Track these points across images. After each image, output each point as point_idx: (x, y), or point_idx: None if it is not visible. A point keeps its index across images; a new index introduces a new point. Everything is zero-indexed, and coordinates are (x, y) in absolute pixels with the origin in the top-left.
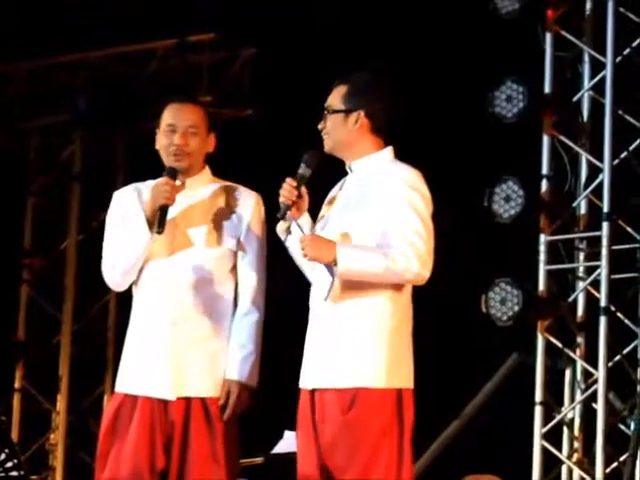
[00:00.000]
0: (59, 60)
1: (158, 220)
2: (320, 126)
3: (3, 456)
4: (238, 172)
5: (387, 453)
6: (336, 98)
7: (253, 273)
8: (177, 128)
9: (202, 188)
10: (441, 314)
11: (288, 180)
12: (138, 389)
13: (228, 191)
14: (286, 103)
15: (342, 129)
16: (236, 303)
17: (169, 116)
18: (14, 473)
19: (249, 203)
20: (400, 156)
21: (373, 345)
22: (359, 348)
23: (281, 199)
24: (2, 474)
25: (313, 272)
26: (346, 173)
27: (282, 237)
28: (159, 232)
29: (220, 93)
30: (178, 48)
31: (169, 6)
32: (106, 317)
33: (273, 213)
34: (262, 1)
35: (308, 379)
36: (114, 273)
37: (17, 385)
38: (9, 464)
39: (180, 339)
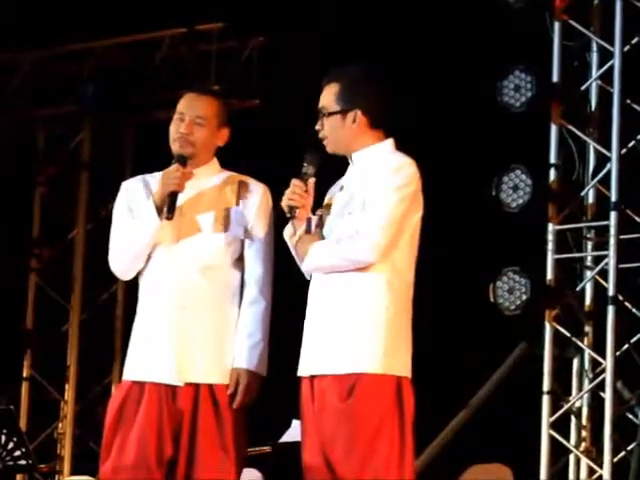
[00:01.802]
0: (66, 49)
1: (168, 206)
2: (317, 127)
3: (11, 445)
4: (244, 162)
5: (387, 442)
6: (329, 98)
7: (260, 262)
8: (185, 117)
9: (210, 178)
10: (449, 303)
11: (294, 182)
12: (145, 375)
13: (236, 181)
14: (293, 93)
15: (341, 130)
16: (242, 292)
17: (182, 104)
18: (22, 462)
19: (257, 193)
20: (408, 146)
21: (372, 331)
22: (358, 334)
23: (287, 202)
24: (10, 463)
25: None
26: (348, 164)
27: (288, 242)
28: (169, 218)
29: (228, 82)
30: (186, 37)
31: None
32: (114, 306)
33: (279, 204)
34: None
35: (307, 366)
36: (122, 260)
37: (25, 374)
38: (17, 453)
39: (187, 325)
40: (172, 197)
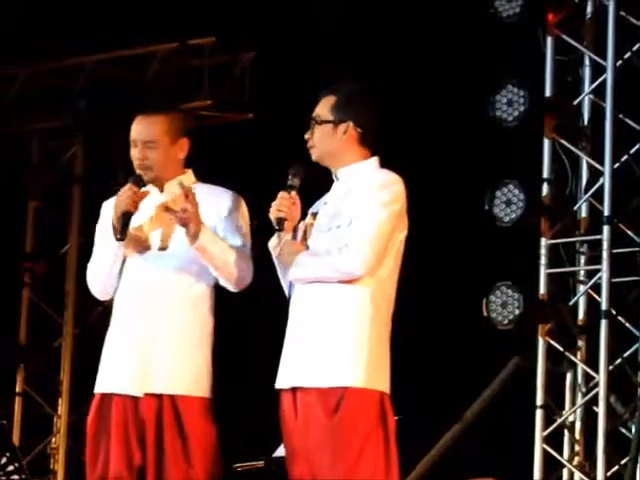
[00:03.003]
0: (60, 64)
1: (120, 227)
2: (307, 136)
3: (4, 460)
4: (238, 176)
5: (373, 458)
6: (324, 108)
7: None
8: (137, 143)
9: (178, 191)
10: (442, 317)
11: (282, 194)
12: (110, 387)
13: (205, 192)
14: (286, 107)
15: (330, 139)
16: (214, 302)
17: (132, 130)
18: (15, 477)
19: (224, 200)
20: (401, 160)
21: (356, 345)
22: (342, 347)
23: (276, 214)
24: (4, 478)
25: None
26: (332, 181)
27: (273, 252)
28: (120, 239)
29: (221, 97)
30: (178, 51)
31: (169, 9)
32: (107, 321)
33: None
34: (262, 4)
35: (287, 378)
36: (94, 280)
37: (18, 389)
38: (10, 468)
39: (149, 336)
40: (124, 217)
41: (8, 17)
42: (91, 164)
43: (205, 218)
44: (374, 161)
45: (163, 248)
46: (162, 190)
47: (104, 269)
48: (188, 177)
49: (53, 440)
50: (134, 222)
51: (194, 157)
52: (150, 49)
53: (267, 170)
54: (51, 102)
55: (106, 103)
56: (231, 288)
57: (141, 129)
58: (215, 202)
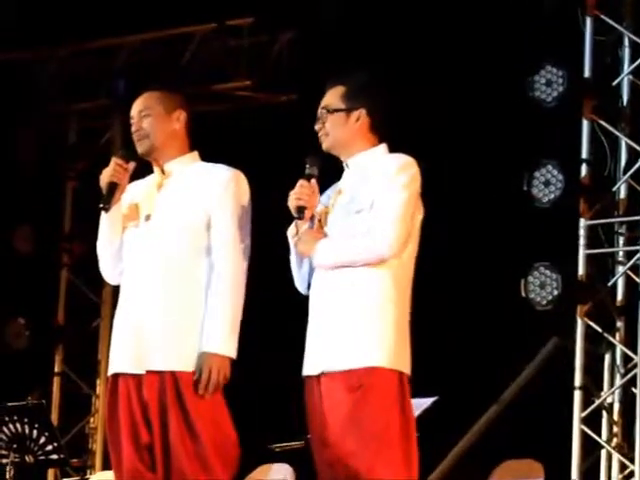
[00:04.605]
0: (98, 44)
1: (105, 196)
2: (317, 126)
3: (43, 439)
4: (275, 156)
5: (396, 438)
6: (334, 98)
7: (221, 244)
8: (134, 116)
9: (180, 171)
10: (481, 298)
11: (302, 182)
12: (116, 367)
13: (205, 171)
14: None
15: (343, 128)
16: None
17: (131, 112)
18: (54, 456)
19: (222, 178)
20: (441, 142)
21: (380, 326)
22: (367, 329)
23: (296, 202)
24: (42, 457)
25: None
26: (342, 169)
27: (291, 241)
28: (105, 209)
29: (259, 78)
30: (216, 32)
31: None
32: None
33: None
34: None
35: (314, 364)
36: (100, 265)
37: (57, 369)
38: (49, 447)
39: (147, 315)
40: (109, 188)
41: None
42: (129, 145)
43: (199, 195)
44: (383, 147)
45: (147, 217)
46: (163, 171)
47: (102, 251)
48: (192, 157)
49: (91, 420)
50: (132, 199)
51: (230, 138)
52: (189, 30)
53: (302, 152)
54: (90, 83)
55: (145, 84)
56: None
57: (136, 104)
58: (214, 182)
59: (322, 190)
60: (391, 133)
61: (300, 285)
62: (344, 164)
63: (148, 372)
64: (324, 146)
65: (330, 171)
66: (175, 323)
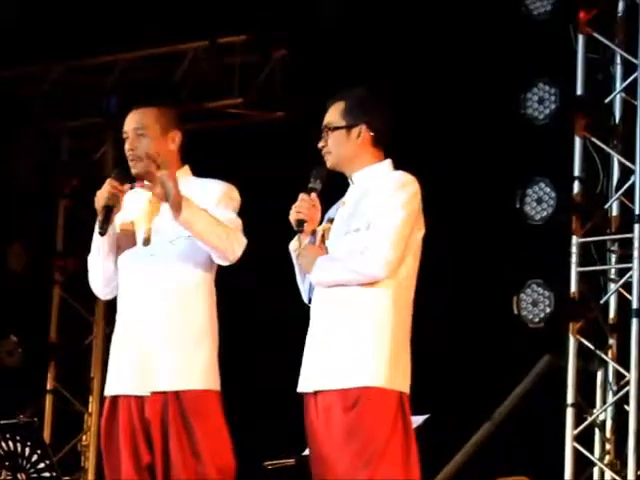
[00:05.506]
0: (91, 62)
1: (100, 221)
2: (320, 145)
3: (35, 457)
4: (267, 175)
5: (394, 457)
6: (335, 115)
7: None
8: (128, 134)
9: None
10: (473, 315)
11: (302, 196)
12: (116, 389)
13: (199, 186)
14: (317, 106)
15: (345, 145)
16: (211, 294)
17: (124, 125)
18: (46, 474)
19: (215, 191)
20: (433, 159)
21: (376, 346)
22: (363, 349)
23: (295, 215)
24: (35, 475)
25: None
26: (348, 184)
27: (293, 255)
28: (101, 233)
29: (251, 96)
30: (209, 50)
31: (200, 8)
32: None
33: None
34: (294, 3)
35: (310, 381)
36: (91, 282)
37: (49, 386)
38: (41, 465)
39: (150, 334)
40: (105, 211)
41: (39, 15)
42: (122, 162)
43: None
44: (388, 163)
45: (146, 240)
46: None
47: (94, 269)
48: (185, 172)
49: (84, 438)
50: (126, 218)
51: (222, 155)
52: (182, 47)
53: (296, 170)
54: (82, 100)
55: (137, 101)
56: (222, 261)
57: (130, 120)
58: (205, 190)
59: (332, 203)
60: (388, 149)
61: (305, 297)
62: (349, 179)
63: (153, 393)
64: (328, 164)
65: (339, 185)
66: (179, 343)
